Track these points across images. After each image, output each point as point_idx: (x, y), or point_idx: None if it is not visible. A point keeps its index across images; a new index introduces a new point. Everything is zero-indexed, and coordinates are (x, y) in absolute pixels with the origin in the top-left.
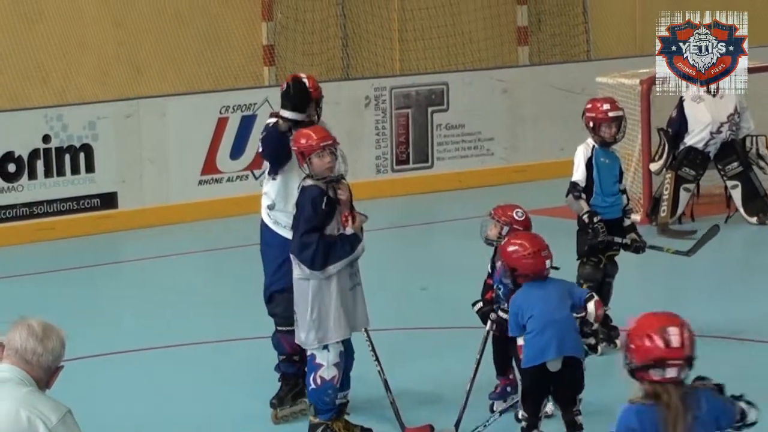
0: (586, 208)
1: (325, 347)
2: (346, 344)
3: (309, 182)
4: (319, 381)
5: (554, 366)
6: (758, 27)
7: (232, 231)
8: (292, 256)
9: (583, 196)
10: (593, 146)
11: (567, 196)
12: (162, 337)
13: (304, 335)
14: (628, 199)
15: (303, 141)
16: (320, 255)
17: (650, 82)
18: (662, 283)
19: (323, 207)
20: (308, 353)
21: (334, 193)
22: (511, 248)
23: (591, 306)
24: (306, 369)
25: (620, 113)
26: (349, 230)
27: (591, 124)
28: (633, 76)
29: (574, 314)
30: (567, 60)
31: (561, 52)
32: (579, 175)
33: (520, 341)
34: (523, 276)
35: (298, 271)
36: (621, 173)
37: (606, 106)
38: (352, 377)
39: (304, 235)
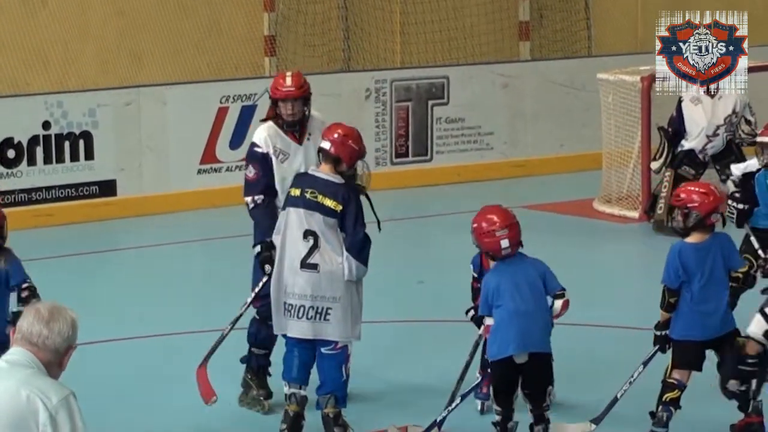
0: None
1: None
2: None
3: (340, 179)
4: (348, 372)
5: (520, 358)
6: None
7: (230, 220)
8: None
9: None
10: None
11: None
12: (158, 325)
13: (350, 329)
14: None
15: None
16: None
17: (651, 79)
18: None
19: None
20: (338, 346)
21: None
22: (474, 224)
23: (558, 304)
24: (325, 363)
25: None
26: None
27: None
28: (634, 72)
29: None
30: (568, 56)
31: (562, 47)
32: None
33: (489, 321)
34: (485, 252)
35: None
36: None
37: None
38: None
39: (362, 231)
